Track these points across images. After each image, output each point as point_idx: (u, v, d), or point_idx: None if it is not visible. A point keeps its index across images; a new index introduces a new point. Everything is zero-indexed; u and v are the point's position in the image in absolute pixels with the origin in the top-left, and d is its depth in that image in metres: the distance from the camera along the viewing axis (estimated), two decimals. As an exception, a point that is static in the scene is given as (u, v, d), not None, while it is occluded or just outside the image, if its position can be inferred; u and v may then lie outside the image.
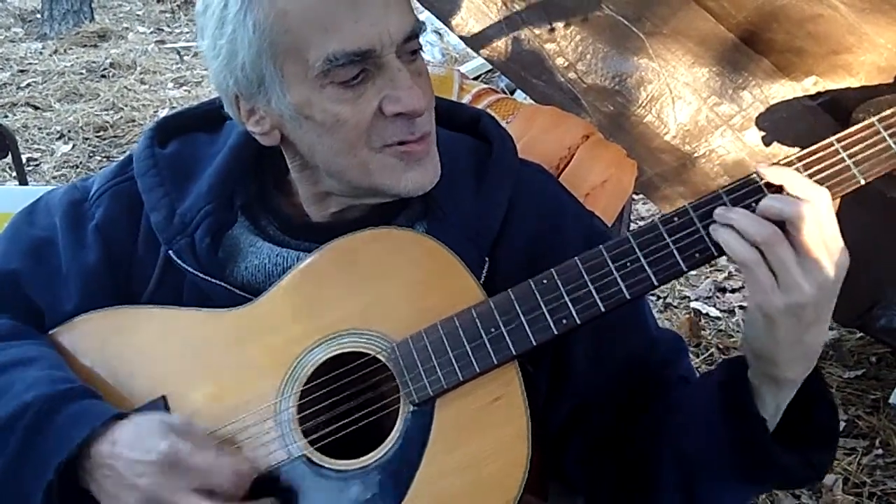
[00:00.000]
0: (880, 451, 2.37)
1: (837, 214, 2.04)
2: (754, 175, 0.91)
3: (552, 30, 2.06)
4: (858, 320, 2.23)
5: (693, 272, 3.20)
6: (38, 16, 6.71)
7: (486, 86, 1.55)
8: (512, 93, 3.05)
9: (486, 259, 1.04)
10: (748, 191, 0.90)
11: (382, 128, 0.98)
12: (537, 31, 2.07)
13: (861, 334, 2.75)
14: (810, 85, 1.87)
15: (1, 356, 1.03)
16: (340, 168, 1.02)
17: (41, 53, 5.92)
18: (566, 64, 2.06)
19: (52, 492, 0.93)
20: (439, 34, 5.08)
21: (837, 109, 1.84)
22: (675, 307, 3.08)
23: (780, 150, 1.98)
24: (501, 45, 2.14)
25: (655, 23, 1.95)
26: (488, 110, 1.43)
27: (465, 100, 1.46)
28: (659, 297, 3.14)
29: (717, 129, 2.02)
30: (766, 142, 1.96)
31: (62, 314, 1.09)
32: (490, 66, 2.96)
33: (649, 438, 1.01)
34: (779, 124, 1.93)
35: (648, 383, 1.06)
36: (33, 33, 6.53)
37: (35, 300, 1.11)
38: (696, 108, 2.01)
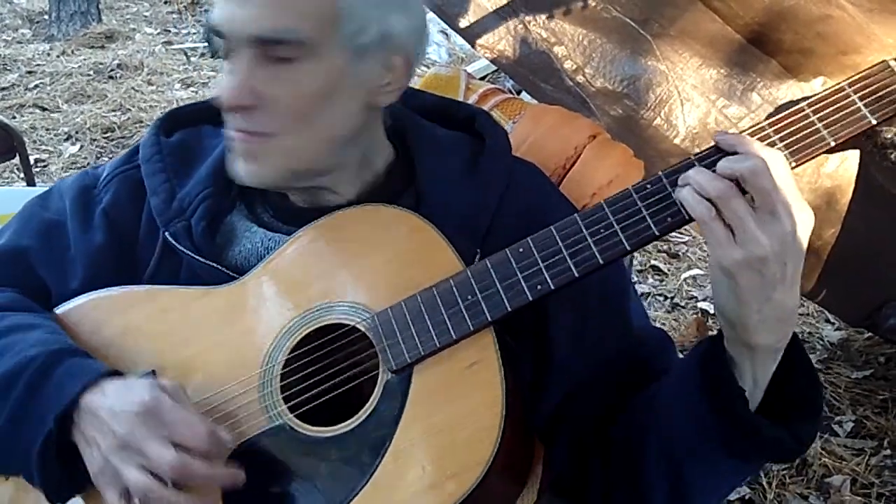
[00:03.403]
0: (888, 452, 2.37)
1: (847, 214, 2.04)
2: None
3: (551, 16, 2.06)
4: (867, 320, 2.23)
5: (701, 272, 3.21)
6: (46, 17, 6.72)
7: (492, 86, 1.55)
8: (518, 93, 3.04)
9: (478, 250, 1.05)
10: (717, 157, 0.93)
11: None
12: (545, 34, 2.07)
13: (869, 334, 2.75)
14: (819, 85, 1.87)
15: (6, 321, 1.07)
16: None
17: (49, 55, 5.92)
18: (574, 67, 2.06)
19: (50, 442, 0.97)
20: (446, 35, 5.08)
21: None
22: (683, 307, 3.08)
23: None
24: (509, 48, 2.13)
25: (663, 24, 1.95)
26: (495, 110, 1.44)
27: (472, 100, 1.46)
28: (666, 298, 3.14)
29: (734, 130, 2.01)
30: (775, 143, 1.96)
31: (68, 291, 1.14)
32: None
33: (633, 428, 1.02)
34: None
35: (633, 377, 1.07)
36: (41, 34, 6.54)
37: (43, 277, 1.16)
38: (704, 111, 2.00)
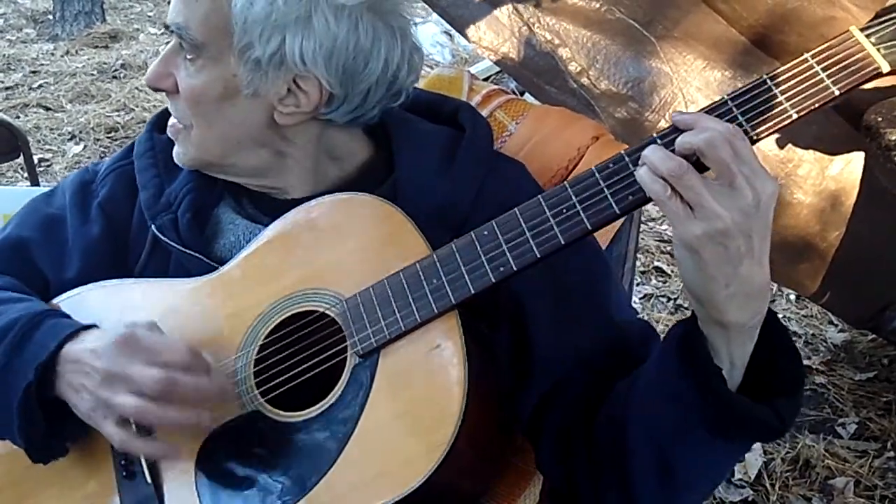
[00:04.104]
0: (892, 454, 2.37)
1: (851, 217, 2.04)
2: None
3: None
4: (870, 322, 2.22)
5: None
6: (50, 17, 6.73)
7: (495, 87, 1.55)
8: (522, 94, 3.04)
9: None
10: (678, 134, 0.91)
11: None
12: (549, 36, 2.07)
13: (873, 336, 2.75)
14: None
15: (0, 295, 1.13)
16: None
17: (53, 54, 5.94)
18: (579, 69, 2.06)
19: (30, 394, 1.00)
20: (449, 35, 5.07)
21: (849, 111, 1.84)
22: (686, 308, 3.07)
23: (793, 153, 1.97)
24: (513, 50, 2.13)
25: (666, 26, 1.95)
26: (498, 111, 1.44)
27: (475, 101, 1.45)
28: (669, 299, 3.14)
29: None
30: (780, 144, 1.96)
31: (65, 281, 1.17)
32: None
33: (616, 419, 1.02)
34: (791, 127, 1.92)
35: (616, 368, 1.06)
36: (45, 34, 6.55)
37: (42, 268, 1.19)
38: (708, 112, 2.00)
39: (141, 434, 1.01)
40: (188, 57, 1.07)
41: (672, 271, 3.29)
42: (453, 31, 4.91)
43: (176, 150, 1.15)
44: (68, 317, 1.09)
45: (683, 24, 1.94)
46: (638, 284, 3.16)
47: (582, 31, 2.04)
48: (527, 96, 2.81)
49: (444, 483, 0.94)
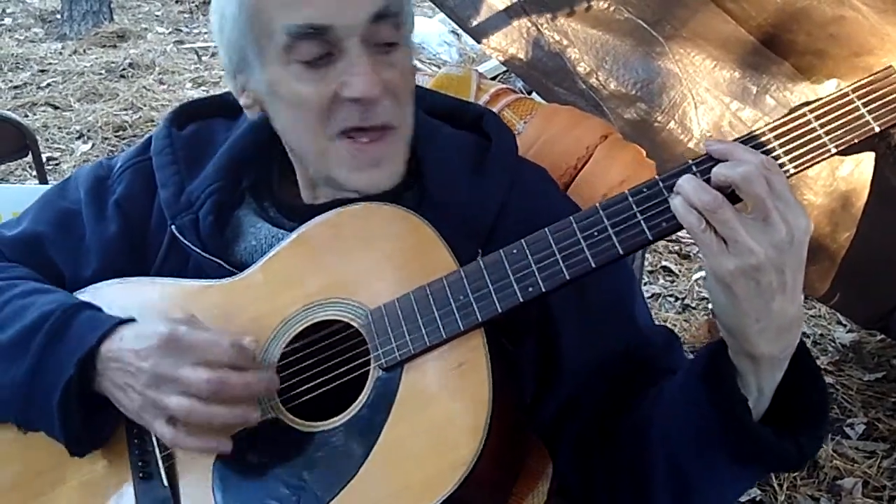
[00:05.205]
0: (901, 455, 2.36)
1: (861, 217, 2.03)
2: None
3: (563, 18, 2.05)
4: (880, 322, 2.22)
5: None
6: (58, 16, 6.75)
7: (503, 86, 1.54)
8: (529, 93, 3.04)
9: (480, 250, 1.05)
10: (715, 163, 0.90)
11: (338, 112, 1.02)
12: (557, 37, 2.06)
13: (882, 336, 2.74)
14: (832, 88, 1.86)
15: (26, 286, 1.12)
16: (304, 153, 1.08)
17: (61, 53, 5.95)
18: (587, 70, 2.05)
19: (70, 389, 0.99)
20: (457, 35, 5.07)
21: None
22: (694, 308, 3.07)
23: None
24: (521, 51, 2.13)
25: (675, 25, 1.94)
26: (506, 110, 1.43)
27: (483, 100, 1.45)
28: (677, 299, 3.13)
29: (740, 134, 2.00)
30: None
31: (82, 279, 1.16)
32: (508, 67, 2.95)
33: (639, 428, 1.01)
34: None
35: (639, 374, 1.06)
36: (53, 33, 6.56)
37: (58, 264, 1.18)
38: (718, 114, 1.99)
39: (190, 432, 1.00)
40: (387, 42, 1.02)
41: (679, 271, 3.29)
42: (460, 31, 4.91)
43: (380, 177, 1.05)
44: (100, 309, 1.08)
45: (692, 23, 1.93)
46: (645, 284, 3.16)
47: (590, 32, 2.04)
48: (534, 95, 2.81)
49: (465, 500, 0.93)
